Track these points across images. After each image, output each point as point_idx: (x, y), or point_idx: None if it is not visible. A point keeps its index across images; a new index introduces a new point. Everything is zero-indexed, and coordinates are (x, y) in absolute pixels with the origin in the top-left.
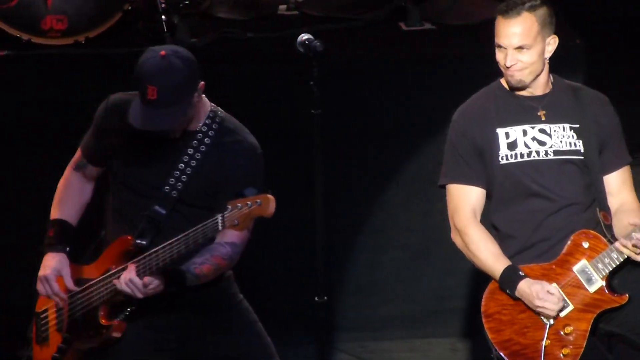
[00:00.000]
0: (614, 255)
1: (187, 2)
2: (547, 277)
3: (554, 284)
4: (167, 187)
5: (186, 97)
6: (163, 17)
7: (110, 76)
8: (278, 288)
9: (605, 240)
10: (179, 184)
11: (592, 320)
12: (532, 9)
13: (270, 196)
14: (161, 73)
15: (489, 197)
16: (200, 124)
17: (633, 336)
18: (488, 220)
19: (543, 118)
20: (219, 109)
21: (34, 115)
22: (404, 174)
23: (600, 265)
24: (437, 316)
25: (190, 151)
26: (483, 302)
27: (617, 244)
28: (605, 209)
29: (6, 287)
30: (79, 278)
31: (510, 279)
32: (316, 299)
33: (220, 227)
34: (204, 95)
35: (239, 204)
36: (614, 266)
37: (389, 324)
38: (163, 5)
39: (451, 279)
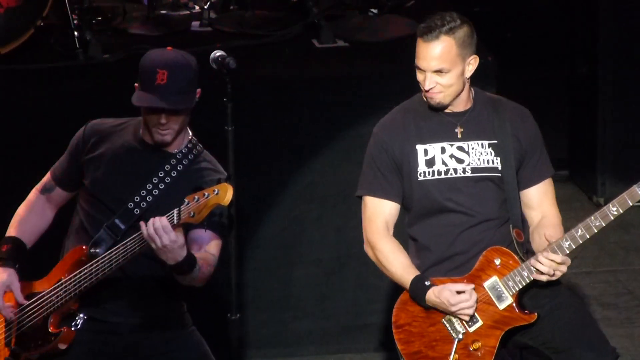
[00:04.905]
0: (525, 274)
1: (99, 18)
2: None
3: (461, 284)
4: (132, 203)
5: (191, 92)
6: (75, 33)
7: (23, 92)
8: (190, 306)
9: (517, 257)
10: (144, 203)
11: (500, 337)
12: (450, 31)
13: (227, 184)
14: (171, 61)
15: (407, 209)
16: (179, 149)
17: (545, 350)
18: (405, 232)
19: (460, 135)
20: (199, 143)
21: None
22: (317, 189)
23: (510, 283)
24: (351, 331)
25: (161, 173)
26: (394, 313)
27: (528, 261)
28: (519, 226)
29: None
30: (31, 293)
31: (418, 290)
32: (229, 316)
33: (175, 221)
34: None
35: (196, 197)
36: (524, 284)
37: (302, 340)
38: (75, 22)
39: (364, 294)
